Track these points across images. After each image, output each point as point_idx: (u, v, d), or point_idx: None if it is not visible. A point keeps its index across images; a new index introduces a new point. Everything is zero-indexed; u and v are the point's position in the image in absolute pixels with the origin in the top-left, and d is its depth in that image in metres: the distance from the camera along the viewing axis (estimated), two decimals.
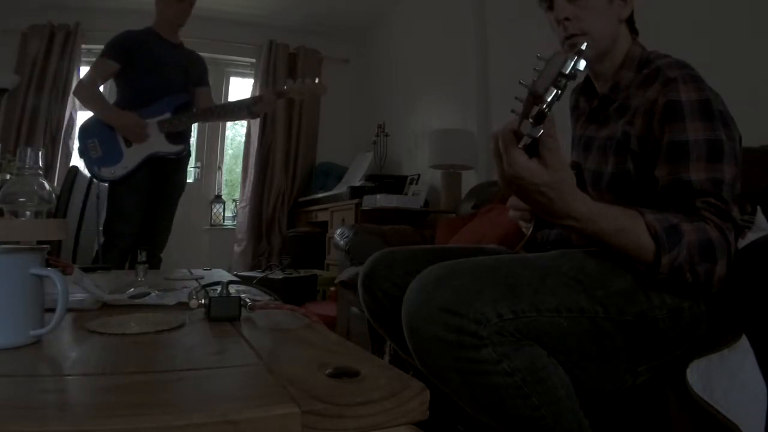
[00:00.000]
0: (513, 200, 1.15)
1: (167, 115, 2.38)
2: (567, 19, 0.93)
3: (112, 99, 2.47)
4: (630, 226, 0.75)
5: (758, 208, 0.95)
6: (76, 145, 2.43)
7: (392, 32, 4.10)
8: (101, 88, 2.41)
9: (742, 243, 0.85)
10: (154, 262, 2.37)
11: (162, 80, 2.38)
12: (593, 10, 0.93)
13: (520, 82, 0.67)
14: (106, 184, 2.40)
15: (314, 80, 2.45)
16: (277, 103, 2.58)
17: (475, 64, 2.94)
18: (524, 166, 0.69)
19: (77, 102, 3.47)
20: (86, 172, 2.43)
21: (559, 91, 0.61)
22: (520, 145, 0.66)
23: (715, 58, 1.49)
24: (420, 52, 3.59)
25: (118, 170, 2.31)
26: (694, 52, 1.03)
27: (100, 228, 2.45)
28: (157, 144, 2.36)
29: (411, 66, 3.73)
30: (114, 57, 2.35)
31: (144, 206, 2.38)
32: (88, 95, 2.39)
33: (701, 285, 0.76)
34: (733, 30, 1.61)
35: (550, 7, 0.96)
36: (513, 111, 0.67)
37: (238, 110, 2.51)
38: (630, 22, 0.98)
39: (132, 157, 2.33)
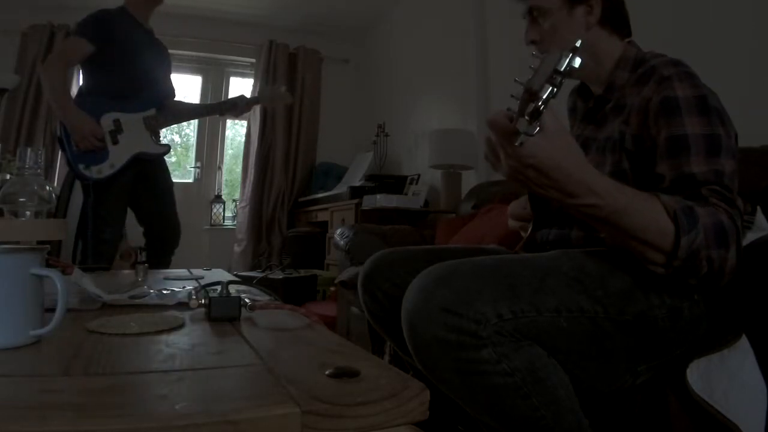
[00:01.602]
0: (513, 208, 1.15)
1: (152, 111, 2.23)
2: (533, 42, 0.97)
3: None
4: (649, 206, 0.72)
5: (758, 208, 0.95)
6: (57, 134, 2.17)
7: (392, 32, 4.10)
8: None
9: (742, 243, 0.85)
10: (165, 262, 2.33)
11: (141, 67, 2.21)
12: (554, 28, 0.95)
13: (515, 80, 0.67)
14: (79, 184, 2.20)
15: (281, 87, 2.42)
16: (250, 109, 2.51)
17: (475, 64, 2.94)
18: (532, 142, 0.65)
19: None
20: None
21: (555, 89, 0.60)
22: (516, 143, 0.65)
23: (715, 58, 1.49)
24: (420, 52, 3.59)
25: (105, 169, 2.11)
26: (695, 52, 1.03)
27: (75, 233, 2.29)
28: (144, 143, 2.20)
29: (411, 66, 3.73)
30: (90, 37, 2.10)
31: (128, 208, 2.25)
32: (52, 78, 2.10)
33: (714, 275, 0.73)
34: (733, 30, 1.61)
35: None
36: (509, 109, 0.66)
37: (217, 110, 2.46)
38: (612, 24, 0.96)
39: (119, 156, 2.14)
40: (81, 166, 2.10)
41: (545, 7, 0.96)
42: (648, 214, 0.71)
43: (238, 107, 2.34)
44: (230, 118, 2.55)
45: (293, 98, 2.51)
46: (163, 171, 2.39)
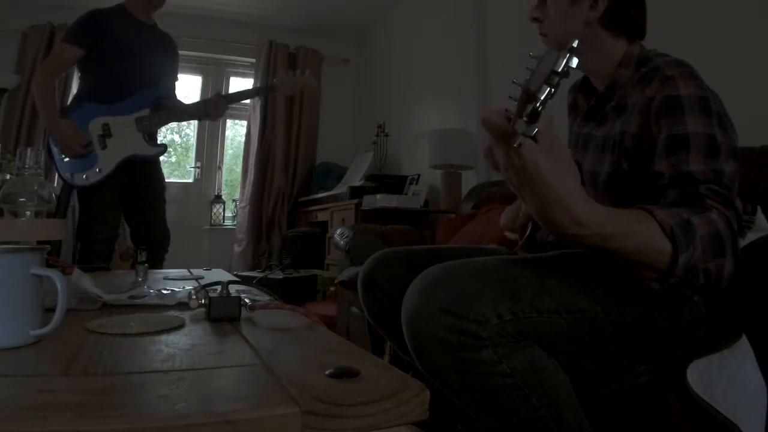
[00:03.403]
0: (505, 217, 1.15)
1: (145, 112, 2.18)
2: (535, 19, 0.98)
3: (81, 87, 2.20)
4: (643, 227, 0.69)
5: (758, 208, 0.95)
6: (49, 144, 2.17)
7: (392, 32, 4.10)
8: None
9: (742, 243, 0.85)
10: (157, 261, 2.30)
11: (135, 67, 2.16)
12: (555, 13, 0.95)
13: (513, 81, 0.66)
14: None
15: (304, 73, 2.33)
16: (226, 109, 2.35)
17: (475, 64, 2.94)
18: (533, 148, 0.62)
19: None
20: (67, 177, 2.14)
21: (553, 89, 0.60)
22: (515, 144, 0.64)
23: (716, 58, 1.49)
24: (420, 52, 3.59)
25: (92, 175, 2.09)
26: (695, 51, 1.03)
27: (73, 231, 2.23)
28: (136, 145, 2.16)
29: (411, 66, 3.73)
30: (78, 42, 2.09)
31: (121, 207, 2.22)
32: (39, 87, 2.11)
33: (711, 285, 0.71)
34: (733, 30, 1.61)
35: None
36: (507, 111, 0.66)
37: (204, 114, 2.33)
38: (618, 27, 0.94)
39: (107, 161, 2.11)
40: (67, 174, 2.10)
41: None
42: (642, 236, 0.69)
43: (209, 106, 2.25)
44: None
45: (315, 83, 2.38)
46: (156, 173, 2.35)
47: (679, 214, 0.70)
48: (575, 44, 0.61)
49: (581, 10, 0.93)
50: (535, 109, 0.60)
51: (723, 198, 0.74)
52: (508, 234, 1.16)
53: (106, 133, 2.14)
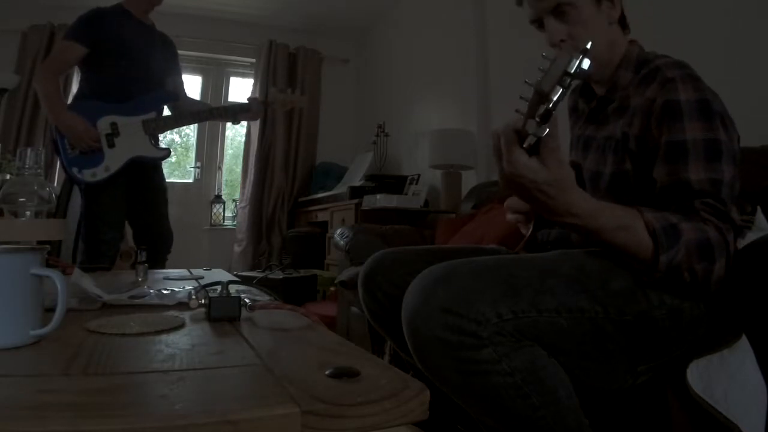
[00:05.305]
0: (511, 202, 1.15)
1: (152, 114, 2.18)
2: (563, 41, 0.92)
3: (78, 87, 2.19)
4: (630, 224, 0.75)
5: (758, 208, 0.95)
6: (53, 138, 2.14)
7: (392, 32, 4.10)
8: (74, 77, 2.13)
9: (742, 243, 0.85)
10: (159, 261, 2.29)
11: (138, 67, 2.15)
12: (585, 24, 0.91)
13: (525, 82, 0.67)
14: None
15: (295, 92, 2.37)
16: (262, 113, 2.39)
17: (475, 64, 2.94)
18: (525, 164, 0.69)
19: None
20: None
21: (565, 90, 0.61)
22: (524, 145, 0.66)
23: (716, 58, 1.49)
24: (420, 52, 3.59)
25: (100, 172, 2.08)
26: (694, 51, 1.03)
27: (75, 233, 2.23)
28: (143, 147, 2.16)
29: (411, 66, 3.73)
30: (80, 40, 2.07)
31: (125, 209, 2.21)
32: (43, 85, 2.09)
33: (699, 284, 0.76)
34: (733, 30, 1.61)
35: (542, 26, 0.95)
36: (518, 111, 0.67)
37: (224, 115, 2.34)
38: (621, 20, 0.96)
39: (115, 159, 2.10)
40: (75, 170, 2.08)
41: (577, 2, 0.91)
42: (628, 233, 0.75)
43: (252, 110, 2.26)
44: (238, 122, 2.44)
45: (306, 101, 2.43)
46: (159, 175, 2.35)
47: (667, 218, 0.75)
48: (589, 46, 0.62)
49: (605, 12, 0.93)
50: (547, 109, 0.60)
51: (717, 212, 0.77)
52: (509, 216, 1.14)
53: (114, 132, 2.13)
